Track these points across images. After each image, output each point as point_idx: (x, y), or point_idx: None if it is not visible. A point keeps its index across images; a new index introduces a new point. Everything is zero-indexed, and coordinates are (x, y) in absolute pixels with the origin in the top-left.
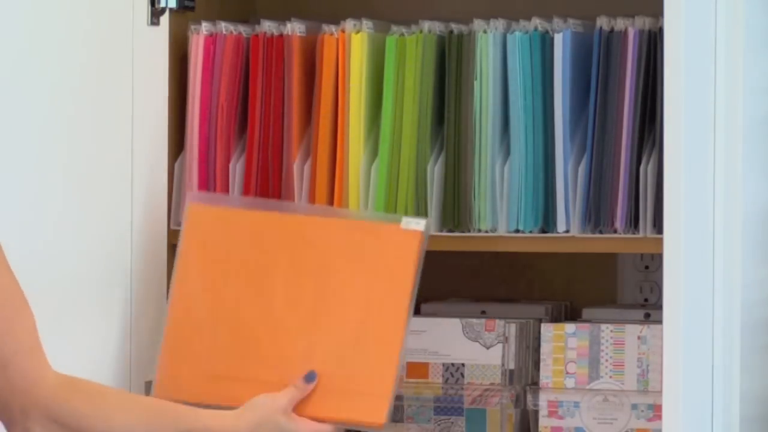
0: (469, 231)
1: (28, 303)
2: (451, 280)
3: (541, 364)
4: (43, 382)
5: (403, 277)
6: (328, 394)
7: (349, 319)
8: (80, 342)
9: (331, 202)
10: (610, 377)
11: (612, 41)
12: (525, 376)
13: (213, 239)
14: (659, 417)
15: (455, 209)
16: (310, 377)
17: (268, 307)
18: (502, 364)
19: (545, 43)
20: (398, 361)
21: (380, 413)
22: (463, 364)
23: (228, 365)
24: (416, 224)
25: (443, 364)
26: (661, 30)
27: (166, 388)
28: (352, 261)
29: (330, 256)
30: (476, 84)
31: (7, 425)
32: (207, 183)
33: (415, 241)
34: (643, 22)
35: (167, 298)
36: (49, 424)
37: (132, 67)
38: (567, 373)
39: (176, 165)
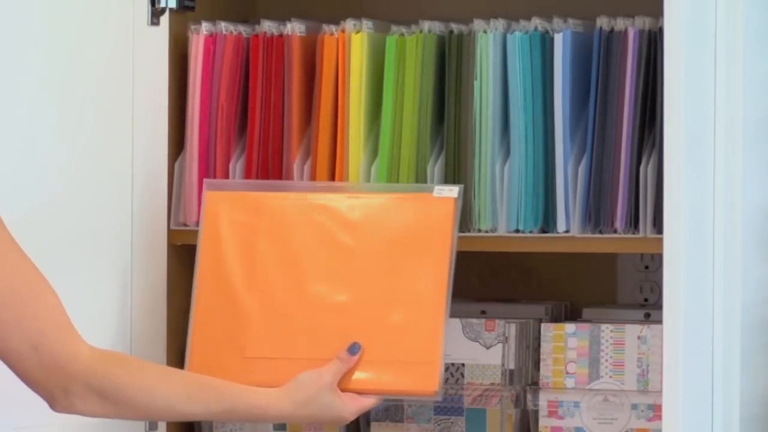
0: (469, 231)
1: (48, 283)
2: None
3: (541, 364)
4: (79, 357)
5: (441, 243)
6: (373, 366)
7: (388, 290)
8: None
9: None
10: (610, 377)
11: (612, 41)
12: (525, 376)
13: (235, 223)
14: (659, 417)
15: None
16: (354, 349)
17: (302, 285)
18: (502, 364)
19: (545, 43)
20: (443, 328)
21: (432, 381)
22: (463, 364)
23: (264, 346)
24: (449, 191)
25: (443, 364)
26: (661, 30)
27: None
28: (386, 232)
29: (364, 229)
30: (476, 84)
31: (49, 402)
32: None
33: (449, 207)
34: (643, 22)
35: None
36: (90, 396)
37: (132, 67)
38: (567, 373)
39: (176, 165)
